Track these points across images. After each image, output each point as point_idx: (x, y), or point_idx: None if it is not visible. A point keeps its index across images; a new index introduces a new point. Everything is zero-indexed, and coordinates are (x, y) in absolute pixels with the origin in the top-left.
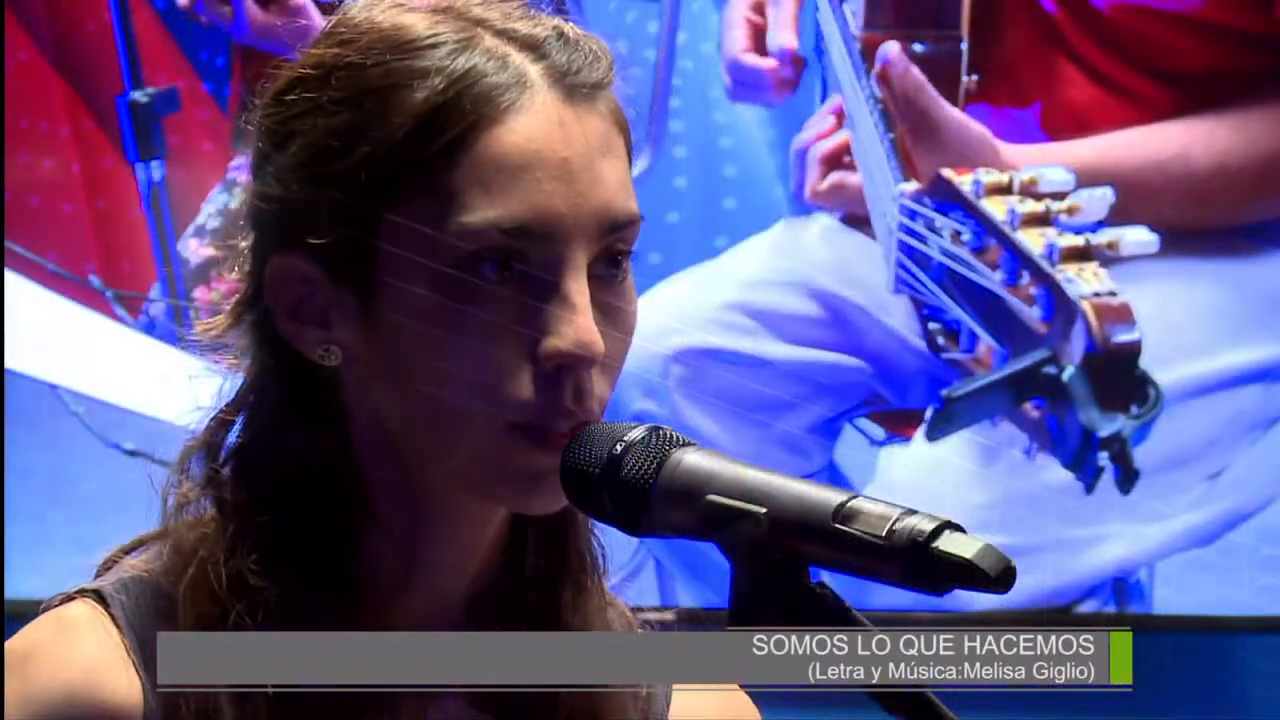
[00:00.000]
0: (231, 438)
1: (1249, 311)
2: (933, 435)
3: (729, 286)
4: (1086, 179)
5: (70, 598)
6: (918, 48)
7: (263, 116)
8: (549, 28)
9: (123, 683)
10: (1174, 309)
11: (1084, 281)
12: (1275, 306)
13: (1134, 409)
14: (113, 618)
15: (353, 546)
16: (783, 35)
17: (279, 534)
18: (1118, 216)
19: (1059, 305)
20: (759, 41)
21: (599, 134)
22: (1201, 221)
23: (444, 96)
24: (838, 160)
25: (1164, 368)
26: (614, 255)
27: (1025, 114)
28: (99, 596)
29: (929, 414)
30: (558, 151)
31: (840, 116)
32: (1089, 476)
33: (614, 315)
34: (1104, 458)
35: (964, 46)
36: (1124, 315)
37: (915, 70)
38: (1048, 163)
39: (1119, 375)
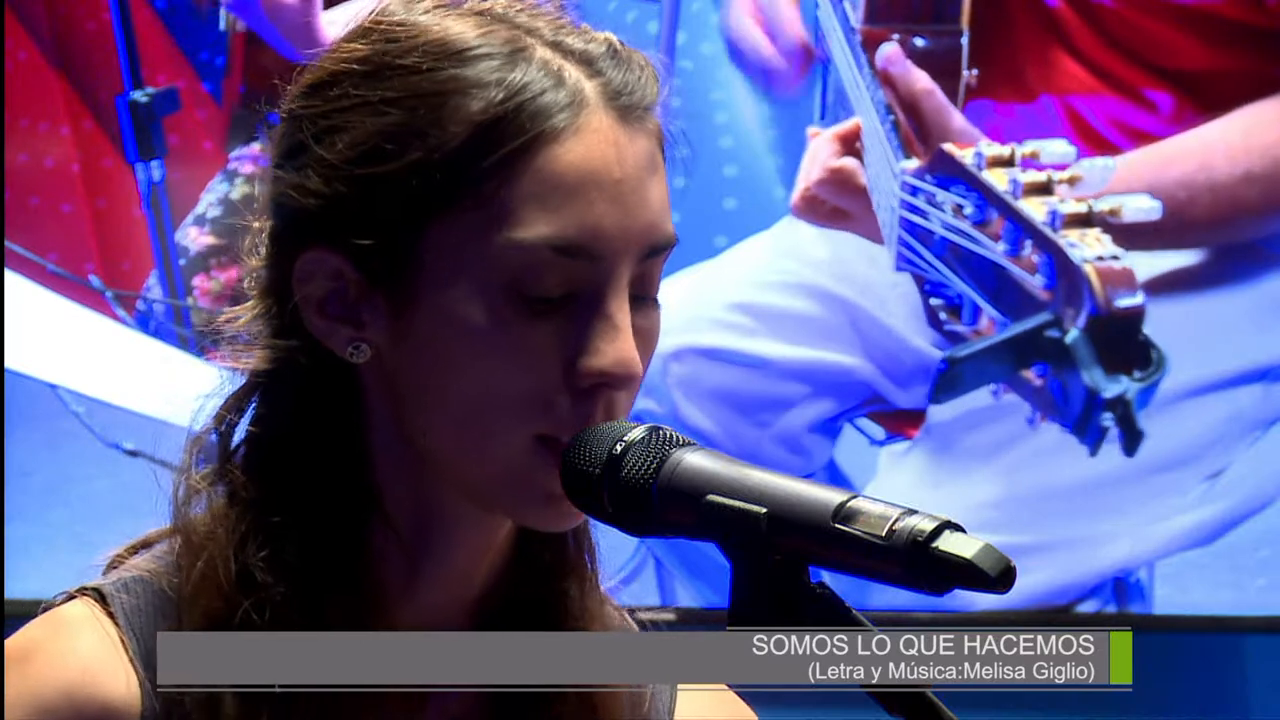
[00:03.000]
0: (241, 429)
1: (1249, 312)
2: (937, 398)
3: (729, 286)
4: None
5: (71, 596)
6: (919, 42)
7: (299, 106)
8: (601, 42)
9: (121, 681)
10: (1173, 309)
11: (1087, 246)
12: (1275, 307)
13: (1136, 373)
14: (112, 616)
15: (362, 546)
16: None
17: (289, 531)
18: (1152, 236)
19: (1062, 270)
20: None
21: (647, 154)
22: (1231, 235)
23: (503, 109)
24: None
25: None
26: (647, 281)
27: (1026, 109)
28: (99, 595)
29: (933, 377)
30: (612, 173)
31: (845, 141)
32: (1093, 439)
33: (643, 338)
34: (1108, 419)
35: (964, 41)
36: (1127, 280)
37: (918, 71)
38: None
39: (1122, 338)
